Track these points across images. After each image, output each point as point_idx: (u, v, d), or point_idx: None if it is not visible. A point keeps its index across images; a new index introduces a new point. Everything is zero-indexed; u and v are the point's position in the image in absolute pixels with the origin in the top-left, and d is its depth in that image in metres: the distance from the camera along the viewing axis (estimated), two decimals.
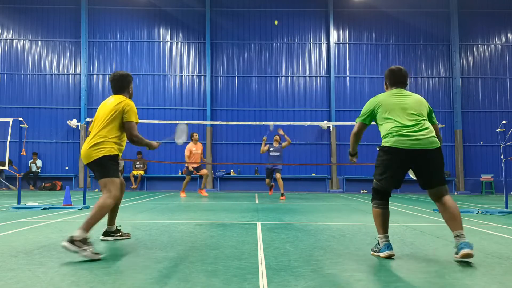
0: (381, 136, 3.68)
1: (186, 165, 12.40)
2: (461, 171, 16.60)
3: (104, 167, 3.84)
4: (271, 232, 4.92)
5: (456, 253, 3.32)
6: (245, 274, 2.90)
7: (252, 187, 16.67)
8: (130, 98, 4.16)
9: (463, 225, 3.49)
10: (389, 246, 3.52)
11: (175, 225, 5.55)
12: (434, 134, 3.55)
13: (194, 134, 12.39)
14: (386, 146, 3.55)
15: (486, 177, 16.15)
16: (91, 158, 3.85)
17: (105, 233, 4.30)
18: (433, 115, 3.78)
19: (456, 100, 16.97)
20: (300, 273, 2.95)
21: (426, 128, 3.52)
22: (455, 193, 16.13)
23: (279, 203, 9.79)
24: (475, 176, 16.69)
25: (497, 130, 9.33)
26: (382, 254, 3.51)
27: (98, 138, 3.88)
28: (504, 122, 8.86)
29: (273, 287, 2.58)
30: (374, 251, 3.65)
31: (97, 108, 4.14)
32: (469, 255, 3.20)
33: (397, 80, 3.81)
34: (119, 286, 2.60)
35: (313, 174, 16.89)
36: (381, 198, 3.61)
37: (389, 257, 3.47)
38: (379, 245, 3.59)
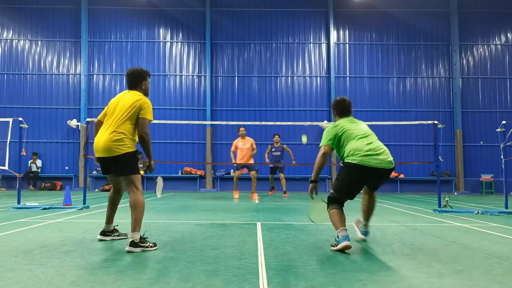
0: (343, 155, 4.08)
1: (233, 162, 11.70)
2: (461, 171, 16.59)
3: (128, 164, 3.91)
4: (271, 232, 4.93)
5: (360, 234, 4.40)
6: (245, 274, 2.90)
7: None
8: (145, 95, 4.18)
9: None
10: (346, 238, 3.68)
11: (175, 225, 5.55)
12: (391, 157, 4.05)
13: (241, 128, 11.69)
14: (352, 163, 3.93)
15: (486, 177, 16.15)
16: (114, 153, 3.86)
17: (103, 233, 4.29)
18: None
19: (456, 100, 16.97)
20: (300, 273, 2.95)
21: (385, 151, 4.03)
22: (455, 193, 16.13)
23: (279, 203, 9.79)
24: (475, 176, 16.68)
25: (497, 130, 9.31)
26: (339, 246, 3.64)
27: (119, 133, 3.88)
28: (504, 122, 8.83)
29: (273, 287, 2.58)
30: (333, 246, 3.78)
31: (97, 108, 4.10)
32: (363, 239, 4.33)
33: (344, 110, 4.37)
34: (119, 286, 2.60)
35: None
36: (338, 203, 3.98)
37: (346, 248, 3.63)
38: (338, 238, 3.73)
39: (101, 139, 3.92)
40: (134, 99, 4.00)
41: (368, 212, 4.34)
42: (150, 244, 3.78)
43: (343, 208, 4.00)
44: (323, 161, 4.13)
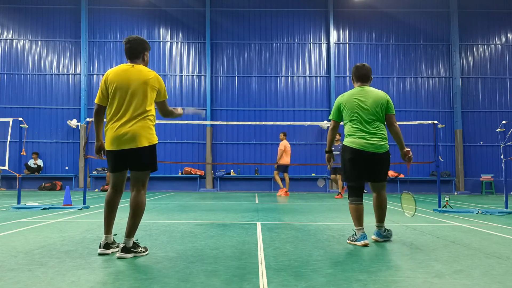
0: (345, 134, 4.31)
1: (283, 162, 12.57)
2: (461, 171, 16.59)
3: (152, 157, 3.51)
4: (271, 232, 4.93)
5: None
6: (245, 274, 2.90)
7: (252, 187, 16.66)
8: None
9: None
10: (365, 237, 4.04)
11: (175, 225, 5.55)
12: (385, 141, 4.16)
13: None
14: (347, 146, 4.18)
15: (486, 177, 16.14)
16: (145, 142, 3.42)
17: (106, 246, 3.60)
18: (390, 104, 4.31)
19: (456, 100, 16.96)
20: (300, 273, 2.95)
21: (380, 134, 4.14)
22: (455, 193, 16.12)
23: (279, 203, 9.79)
24: (475, 176, 16.68)
25: (497, 130, 9.31)
26: (359, 243, 4.02)
27: (147, 120, 3.45)
28: (504, 122, 8.83)
29: (273, 287, 2.58)
30: (351, 240, 4.17)
31: None
32: (377, 240, 4.27)
33: (360, 77, 4.39)
34: (119, 286, 2.60)
35: (313, 174, 16.89)
36: (356, 195, 4.18)
37: (365, 245, 3.97)
38: (356, 235, 4.11)
39: (127, 126, 3.40)
40: (148, 76, 3.54)
41: (376, 212, 4.34)
42: (142, 249, 3.53)
43: (362, 199, 4.20)
44: (331, 135, 4.42)
